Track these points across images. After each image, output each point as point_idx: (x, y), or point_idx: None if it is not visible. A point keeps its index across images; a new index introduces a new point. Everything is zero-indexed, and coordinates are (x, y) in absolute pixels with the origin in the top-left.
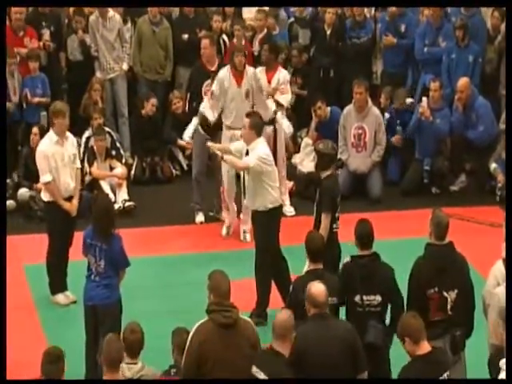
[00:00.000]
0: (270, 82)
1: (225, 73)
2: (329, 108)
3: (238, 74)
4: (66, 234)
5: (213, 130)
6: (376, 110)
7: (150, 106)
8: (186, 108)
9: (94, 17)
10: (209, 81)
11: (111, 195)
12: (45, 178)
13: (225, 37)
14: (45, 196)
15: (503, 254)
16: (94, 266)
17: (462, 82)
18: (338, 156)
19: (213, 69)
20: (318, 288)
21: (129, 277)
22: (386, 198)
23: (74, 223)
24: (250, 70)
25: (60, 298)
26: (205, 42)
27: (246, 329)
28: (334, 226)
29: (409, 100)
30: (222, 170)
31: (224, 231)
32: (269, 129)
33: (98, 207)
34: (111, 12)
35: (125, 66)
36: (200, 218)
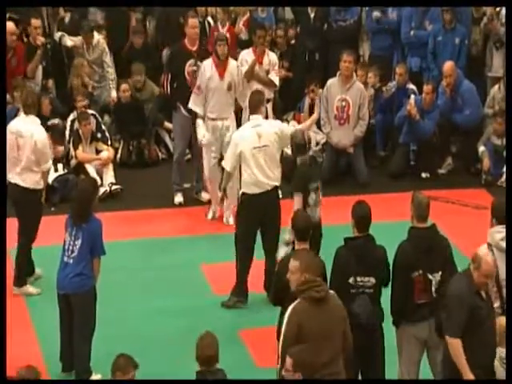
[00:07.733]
0: (261, 63)
1: (208, 64)
2: (320, 90)
3: (221, 65)
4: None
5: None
6: (360, 85)
7: (121, 93)
8: (168, 89)
9: (79, 42)
10: (192, 60)
11: (97, 179)
12: (50, 164)
13: (210, 19)
14: (38, 184)
15: (488, 239)
16: (68, 247)
17: (448, 65)
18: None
19: (194, 49)
20: None
21: (116, 259)
22: (373, 181)
23: None
24: (232, 62)
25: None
26: (194, 22)
27: (336, 303)
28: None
29: (390, 84)
30: (203, 159)
31: (210, 215)
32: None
33: (77, 190)
34: (96, 38)
35: (113, 94)
36: (179, 198)
